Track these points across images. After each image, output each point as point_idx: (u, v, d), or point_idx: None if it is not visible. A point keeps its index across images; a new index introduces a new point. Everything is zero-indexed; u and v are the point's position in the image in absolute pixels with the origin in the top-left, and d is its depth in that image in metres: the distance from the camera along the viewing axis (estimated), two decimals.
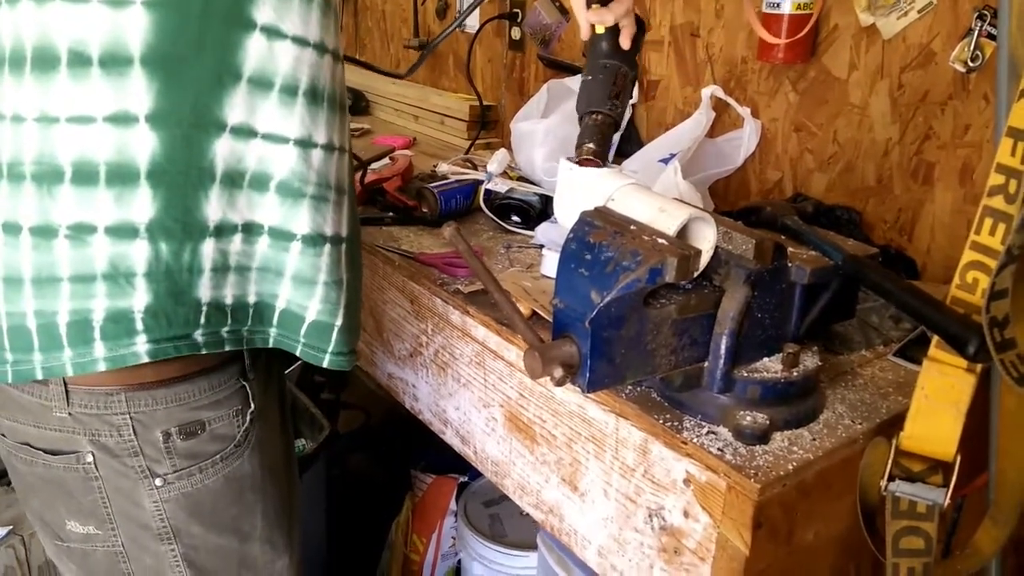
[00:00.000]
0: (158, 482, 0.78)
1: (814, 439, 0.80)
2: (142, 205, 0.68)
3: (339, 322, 0.80)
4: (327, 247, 0.78)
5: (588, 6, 0.96)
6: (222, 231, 0.72)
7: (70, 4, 0.65)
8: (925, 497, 0.76)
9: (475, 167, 1.55)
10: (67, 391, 0.74)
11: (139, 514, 0.79)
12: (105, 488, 0.78)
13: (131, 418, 0.75)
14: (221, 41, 0.68)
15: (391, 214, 1.37)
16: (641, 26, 0.99)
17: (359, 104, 2.28)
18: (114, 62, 0.66)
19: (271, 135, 0.72)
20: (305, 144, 0.74)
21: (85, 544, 0.82)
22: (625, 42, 0.97)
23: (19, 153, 0.68)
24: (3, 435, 0.80)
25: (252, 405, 0.81)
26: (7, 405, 0.78)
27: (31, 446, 0.78)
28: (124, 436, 0.75)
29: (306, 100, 0.73)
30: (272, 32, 0.70)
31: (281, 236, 0.75)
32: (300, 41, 0.72)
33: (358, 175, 1.44)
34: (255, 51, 0.70)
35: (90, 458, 0.76)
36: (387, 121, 2.22)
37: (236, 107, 0.70)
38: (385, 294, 1.24)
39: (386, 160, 1.58)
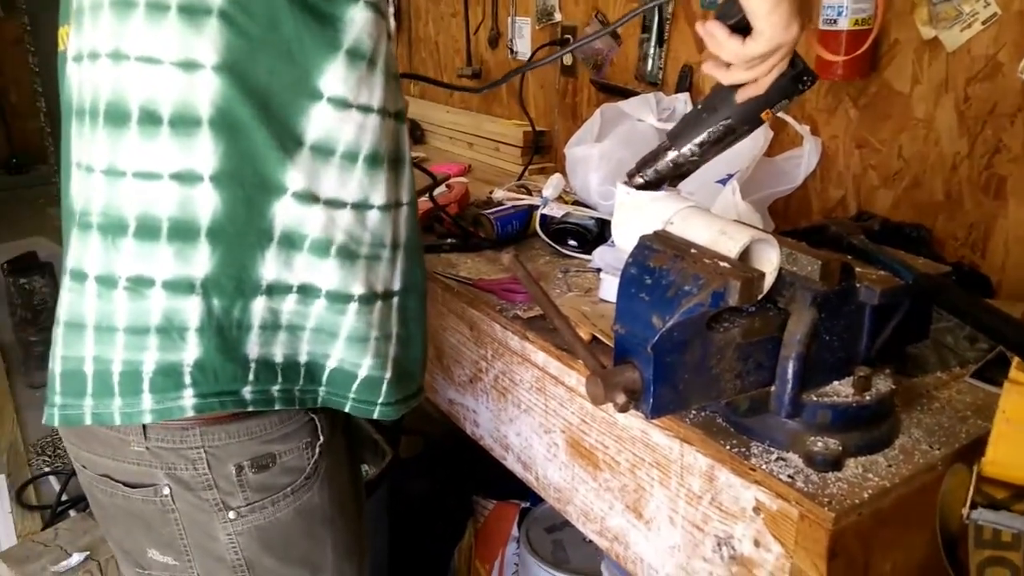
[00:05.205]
0: (231, 515, 0.79)
1: (890, 465, 0.77)
2: (200, 261, 0.70)
3: (388, 375, 0.81)
4: (378, 304, 0.79)
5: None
6: (274, 290, 0.73)
7: (144, 64, 0.68)
8: (1010, 526, 0.72)
9: (530, 192, 1.56)
10: (144, 425, 0.75)
11: (214, 547, 0.80)
12: (182, 520, 0.79)
13: (205, 452, 0.76)
14: (286, 109, 0.70)
15: (450, 241, 1.39)
16: (801, 76, 0.83)
17: (414, 133, 2.32)
18: (183, 122, 0.68)
19: (332, 200, 0.74)
20: (361, 207, 0.76)
21: (164, 573, 0.83)
22: (739, 96, 0.82)
23: (88, 203, 0.71)
24: (84, 467, 0.83)
25: (320, 437, 0.82)
26: (86, 438, 0.80)
27: (111, 478, 0.80)
28: (199, 470, 0.77)
29: (366, 165, 0.75)
30: (338, 102, 0.72)
31: (338, 299, 0.76)
32: (364, 109, 0.74)
33: (427, 193, 1.45)
34: (319, 120, 0.72)
35: (167, 491, 0.78)
36: (442, 149, 2.25)
37: (299, 172, 0.71)
38: (444, 320, 1.25)
39: (443, 187, 1.60)
